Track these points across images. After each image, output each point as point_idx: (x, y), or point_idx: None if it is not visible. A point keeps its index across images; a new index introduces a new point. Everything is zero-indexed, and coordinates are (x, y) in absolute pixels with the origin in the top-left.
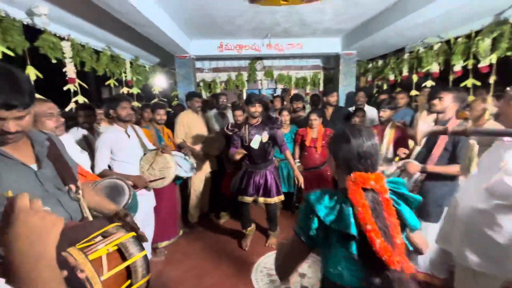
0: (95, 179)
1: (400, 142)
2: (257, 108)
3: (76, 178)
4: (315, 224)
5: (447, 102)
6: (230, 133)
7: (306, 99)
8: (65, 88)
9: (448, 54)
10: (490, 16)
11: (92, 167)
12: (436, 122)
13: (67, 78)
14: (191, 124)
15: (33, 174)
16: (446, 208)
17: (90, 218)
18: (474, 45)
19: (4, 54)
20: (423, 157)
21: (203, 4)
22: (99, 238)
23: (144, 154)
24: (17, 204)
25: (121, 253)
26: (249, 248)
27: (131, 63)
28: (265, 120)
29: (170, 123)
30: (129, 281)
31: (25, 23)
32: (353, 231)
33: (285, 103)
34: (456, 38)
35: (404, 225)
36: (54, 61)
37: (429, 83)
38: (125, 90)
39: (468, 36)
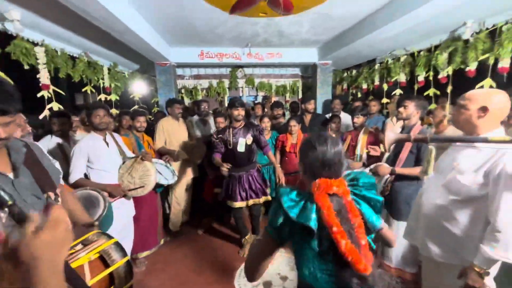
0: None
1: (369, 154)
2: (240, 112)
3: (55, 185)
4: (281, 218)
5: (411, 109)
6: (217, 140)
7: (286, 106)
8: (38, 95)
9: (412, 66)
10: (447, 33)
11: (66, 176)
12: (403, 127)
13: (40, 85)
14: (171, 131)
15: (10, 183)
16: None
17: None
18: (433, 58)
19: None
20: (392, 160)
21: (184, 13)
22: (80, 246)
23: (124, 162)
24: (53, 212)
25: (103, 260)
26: (231, 253)
27: (109, 69)
28: (247, 123)
29: (150, 130)
30: (112, 287)
31: None
32: (313, 224)
33: (265, 110)
34: (419, 52)
35: (368, 227)
36: (26, 67)
37: (398, 91)
38: (102, 97)
39: (429, 50)
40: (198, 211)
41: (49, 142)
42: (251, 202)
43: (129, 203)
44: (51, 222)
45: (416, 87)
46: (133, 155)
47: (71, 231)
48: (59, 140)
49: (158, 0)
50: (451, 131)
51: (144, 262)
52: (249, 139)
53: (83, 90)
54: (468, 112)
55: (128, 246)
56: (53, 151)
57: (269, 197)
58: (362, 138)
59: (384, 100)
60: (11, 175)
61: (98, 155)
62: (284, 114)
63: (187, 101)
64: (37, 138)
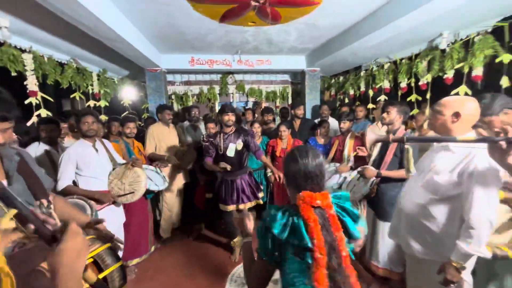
0: None
1: (357, 155)
2: (230, 117)
3: (47, 192)
4: (270, 242)
5: (393, 114)
6: (207, 143)
7: (276, 111)
8: (26, 102)
9: (395, 73)
10: (425, 43)
11: (54, 184)
12: (388, 132)
13: (28, 91)
14: (161, 137)
15: None
16: None
17: None
18: (414, 66)
19: None
20: (378, 163)
21: (174, 21)
22: None
23: (114, 168)
24: (70, 226)
25: (97, 264)
26: (223, 259)
27: (98, 75)
28: (238, 129)
29: (141, 136)
30: None
31: None
32: (308, 243)
33: (256, 115)
34: (401, 60)
35: (349, 237)
36: (14, 74)
37: (382, 97)
38: (91, 103)
39: (410, 58)
40: (189, 217)
41: (36, 149)
42: (242, 206)
43: (119, 210)
44: (70, 235)
45: (399, 93)
46: (124, 161)
47: (87, 242)
48: (46, 147)
49: (149, 8)
50: (431, 134)
51: (134, 270)
52: (240, 144)
53: (72, 96)
54: (443, 117)
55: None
56: (41, 159)
57: (261, 201)
58: (349, 143)
59: (370, 106)
60: (4, 182)
61: (87, 162)
62: (274, 120)
63: (177, 107)
64: (23, 145)
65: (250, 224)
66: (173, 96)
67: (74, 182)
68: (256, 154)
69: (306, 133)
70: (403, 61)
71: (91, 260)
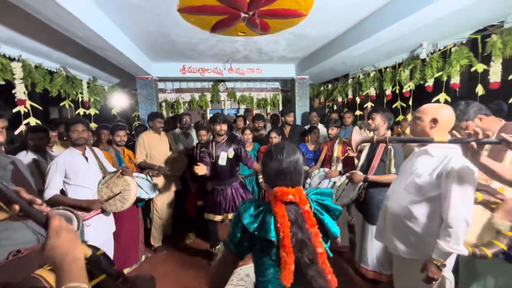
0: None
1: (347, 156)
2: (222, 127)
3: (41, 201)
4: (240, 232)
5: (378, 120)
6: (201, 153)
7: (266, 118)
8: (14, 110)
9: (380, 81)
10: (407, 52)
11: (42, 193)
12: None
13: (16, 100)
14: (152, 145)
15: None
16: None
17: None
18: (398, 74)
19: None
20: (365, 168)
21: (165, 31)
22: None
23: (104, 177)
24: (51, 224)
25: (89, 271)
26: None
27: (88, 83)
28: (230, 138)
29: (131, 144)
30: None
31: None
32: (272, 236)
33: (247, 122)
34: (385, 68)
35: (327, 234)
36: (2, 82)
37: (369, 104)
38: (81, 111)
39: (394, 67)
40: (181, 225)
41: (24, 158)
42: (230, 216)
43: (109, 218)
44: (52, 233)
45: (385, 100)
46: (114, 169)
47: (72, 232)
48: (35, 156)
49: (140, 19)
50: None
51: None
52: (231, 153)
53: (61, 104)
54: (422, 123)
55: None
56: (29, 167)
57: None
58: (338, 148)
59: (358, 112)
60: None
61: (76, 170)
62: (265, 126)
63: (166, 114)
64: (10, 154)
65: None
66: (163, 104)
67: (62, 191)
68: (248, 163)
69: (296, 139)
70: (388, 69)
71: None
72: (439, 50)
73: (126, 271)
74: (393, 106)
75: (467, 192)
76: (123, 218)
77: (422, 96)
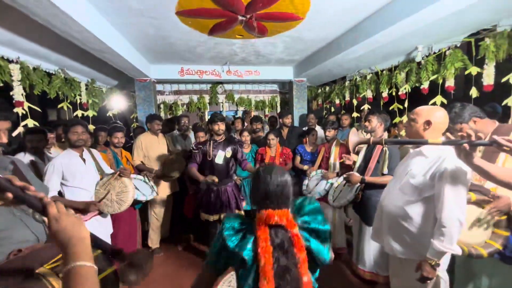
0: None
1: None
2: (220, 126)
3: None
4: (220, 245)
5: (374, 122)
6: (196, 151)
7: (264, 120)
8: None
9: (377, 83)
10: (403, 55)
11: None
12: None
13: (14, 102)
14: (149, 146)
15: None
16: None
17: None
18: (394, 77)
19: None
20: (362, 170)
21: (163, 34)
22: None
23: (101, 178)
24: (49, 212)
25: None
26: None
27: (86, 85)
28: (228, 138)
29: (129, 146)
30: None
31: None
32: (246, 255)
33: (245, 124)
34: (382, 71)
35: (316, 263)
36: (0, 84)
37: (366, 106)
38: (79, 113)
39: (390, 70)
40: (178, 227)
41: (22, 160)
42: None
43: (106, 220)
44: (51, 221)
45: (381, 102)
46: (112, 171)
47: (72, 216)
48: (32, 157)
49: (139, 21)
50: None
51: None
52: (229, 152)
53: (59, 106)
54: (416, 124)
55: None
56: (24, 170)
57: (242, 212)
58: (335, 150)
59: (355, 114)
60: None
61: (73, 172)
62: (263, 128)
63: (164, 116)
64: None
65: None
66: (162, 105)
67: (60, 193)
68: (243, 164)
69: (294, 141)
70: (384, 72)
71: None
72: (434, 53)
73: None
74: (390, 108)
75: (460, 193)
76: (120, 220)
77: (418, 98)
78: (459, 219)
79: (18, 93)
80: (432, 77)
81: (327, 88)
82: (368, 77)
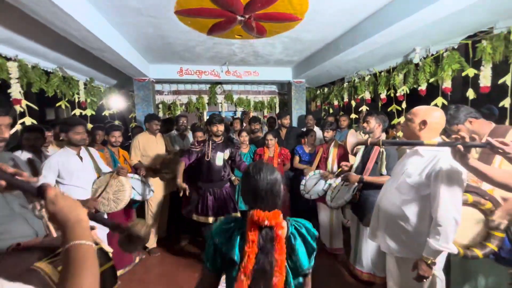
0: None
1: (343, 158)
2: (218, 128)
3: None
4: (213, 246)
5: (372, 123)
6: (197, 149)
7: (263, 121)
8: None
9: (375, 85)
10: (401, 57)
11: None
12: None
13: (11, 100)
14: (147, 146)
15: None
16: None
17: (55, 235)
18: (392, 78)
19: None
20: (360, 170)
21: (162, 33)
22: None
23: (98, 177)
24: (47, 195)
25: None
26: None
27: (85, 84)
28: (227, 140)
29: (127, 145)
30: None
31: None
32: (235, 255)
33: (244, 124)
34: (380, 72)
35: (297, 271)
36: None
37: (364, 107)
38: (77, 111)
39: (388, 71)
40: (175, 227)
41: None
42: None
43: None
44: (49, 204)
45: (380, 103)
46: (110, 170)
47: (69, 199)
48: (29, 155)
49: (138, 20)
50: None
51: (118, 282)
52: (227, 154)
53: (57, 105)
54: (413, 124)
55: None
56: (23, 167)
57: (238, 214)
58: (333, 151)
59: (353, 116)
60: None
61: (70, 170)
62: (261, 129)
63: (164, 116)
64: None
65: None
66: (160, 105)
67: None
68: (241, 167)
69: (292, 141)
70: (382, 73)
71: None
72: (432, 55)
73: (119, 272)
74: (388, 109)
75: (455, 192)
76: (117, 218)
77: (415, 99)
78: (454, 218)
79: (15, 91)
80: (431, 80)
81: (326, 90)
82: (366, 78)
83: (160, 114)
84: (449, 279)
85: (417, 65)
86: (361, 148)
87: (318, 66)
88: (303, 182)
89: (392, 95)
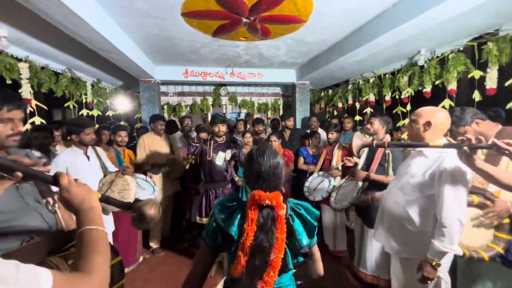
0: None
1: (344, 164)
2: (220, 128)
3: (53, 191)
4: (214, 222)
5: (376, 125)
6: (197, 144)
7: (267, 122)
8: None
9: (380, 87)
10: (406, 59)
11: None
12: (373, 139)
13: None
14: (152, 146)
15: (15, 188)
16: None
17: (70, 227)
18: (396, 80)
19: None
20: (365, 170)
21: (168, 35)
22: (74, 248)
23: (105, 176)
24: (61, 183)
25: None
26: (212, 270)
27: (92, 85)
28: (229, 141)
29: (133, 145)
30: None
31: None
32: (233, 231)
33: (248, 126)
34: (384, 74)
35: (296, 250)
36: (9, 81)
37: (368, 110)
38: (84, 112)
39: (393, 73)
40: (179, 227)
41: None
42: None
43: (108, 217)
44: (63, 191)
45: (384, 105)
46: (116, 169)
47: (83, 185)
48: (38, 154)
49: (144, 22)
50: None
51: None
52: (228, 154)
53: (66, 105)
54: (417, 125)
55: None
56: None
57: None
58: (337, 152)
59: (357, 118)
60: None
61: (77, 169)
62: (265, 130)
63: (167, 117)
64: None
65: None
66: (165, 107)
67: None
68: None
69: (296, 143)
70: (387, 76)
71: None
72: (437, 57)
73: None
74: (393, 111)
75: (460, 192)
76: (121, 218)
77: (420, 102)
78: (459, 219)
79: (26, 91)
80: (437, 82)
81: (330, 92)
82: (371, 80)
83: (165, 116)
84: (455, 282)
85: (422, 67)
86: (366, 149)
87: (322, 68)
88: (306, 183)
89: (397, 97)
